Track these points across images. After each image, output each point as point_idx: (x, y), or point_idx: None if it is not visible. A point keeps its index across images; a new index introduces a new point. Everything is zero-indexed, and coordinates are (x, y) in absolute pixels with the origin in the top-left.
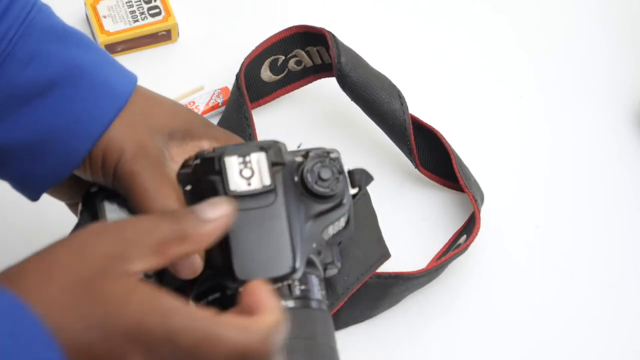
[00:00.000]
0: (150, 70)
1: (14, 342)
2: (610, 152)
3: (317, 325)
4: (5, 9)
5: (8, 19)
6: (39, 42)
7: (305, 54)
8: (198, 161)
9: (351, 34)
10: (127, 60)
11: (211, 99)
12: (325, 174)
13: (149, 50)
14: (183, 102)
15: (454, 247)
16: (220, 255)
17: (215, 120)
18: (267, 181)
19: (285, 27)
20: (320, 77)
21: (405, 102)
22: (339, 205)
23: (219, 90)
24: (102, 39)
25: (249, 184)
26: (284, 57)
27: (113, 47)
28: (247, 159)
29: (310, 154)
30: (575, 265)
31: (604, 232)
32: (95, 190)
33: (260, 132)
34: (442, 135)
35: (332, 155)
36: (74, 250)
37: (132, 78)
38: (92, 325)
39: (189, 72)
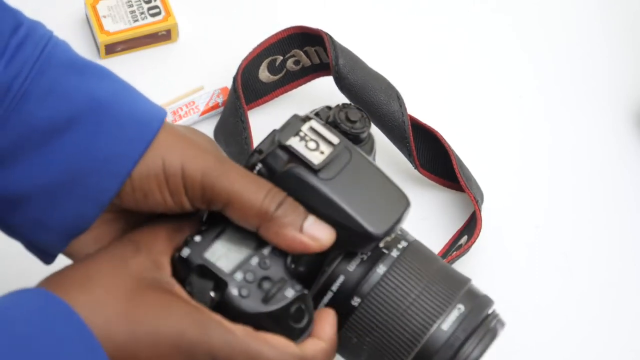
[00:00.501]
0: (150, 70)
1: (62, 346)
2: (610, 152)
3: (427, 251)
4: (17, 47)
5: (21, 57)
6: (55, 78)
7: (304, 54)
8: (260, 166)
9: (349, 35)
10: (127, 60)
11: (211, 99)
12: (353, 115)
13: (149, 50)
14: (183, 102)
15: (455, 248)
16: (344, 227)
17: (214, 120)
18: (335, 139)
19: (286, 27)
20: (318, 76)
21: (404, 104)
22: (372, 146)
23: (219, 90)
24: (102, 39)
25: (322, 152)
26: (282, 58)
27: (113, 47)
28: (301, 133)
29: (321, 111)
30: (575, 265)
31: (604, 232)
32: (186, 255)
33: (260, 132)
34: (441, 136)
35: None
36: (114, 260)
37: (160, 110)
38: (137, 333)
39: (189, 72)
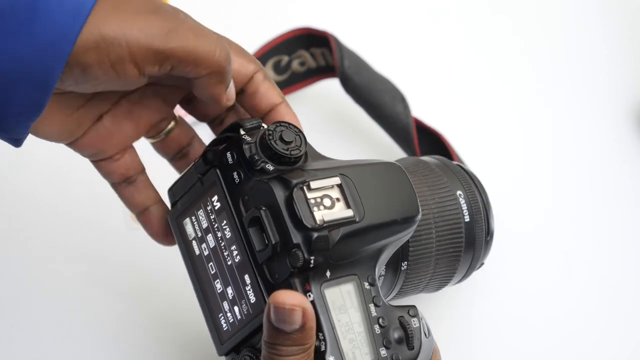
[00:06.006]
0: None
1: None
2: (610, 152)
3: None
4: None
5: None
6: None
7: (310, 55)
8: (314, 258)
9: (354, 37)
10: None
11: None
12: (288, 136)
13: None
14: None
15: None
16: (396, 223)
17: None
18: (335, 180)
19: (287, 28)
20: (323, 78)
21: (409, 105)
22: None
23: None
24: None
25: (338, 199)
26: (288, 58)
27: None
28: (312, 201)
29: (249, 124)
30: (575, 265)
31: (604, 232)
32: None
33: None
34: (445, 138)
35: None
36: None
37: None
38: None
39: None
